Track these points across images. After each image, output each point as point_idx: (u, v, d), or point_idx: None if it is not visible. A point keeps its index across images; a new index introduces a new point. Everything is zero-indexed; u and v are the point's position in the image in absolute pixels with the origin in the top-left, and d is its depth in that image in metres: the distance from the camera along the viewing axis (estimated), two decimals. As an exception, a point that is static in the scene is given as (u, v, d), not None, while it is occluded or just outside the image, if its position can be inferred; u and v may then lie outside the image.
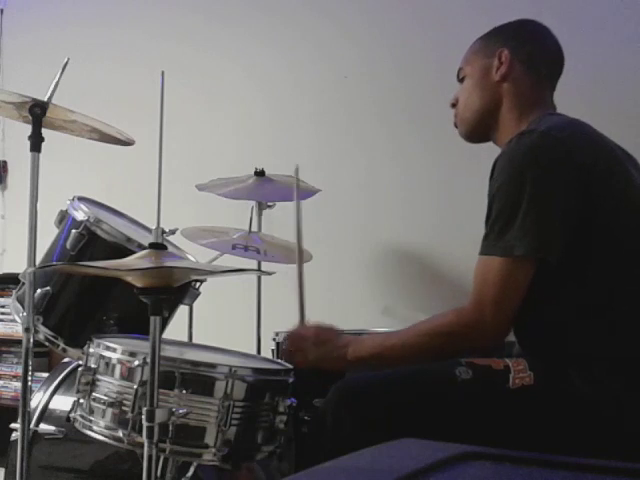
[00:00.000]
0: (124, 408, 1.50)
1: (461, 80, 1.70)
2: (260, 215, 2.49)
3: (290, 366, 1.71)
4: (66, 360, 2.12)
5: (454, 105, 1.72)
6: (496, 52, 1.63)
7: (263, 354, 2.36)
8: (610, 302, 1.42)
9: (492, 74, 1.63)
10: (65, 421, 1.76)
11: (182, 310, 2.14)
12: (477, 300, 1.42)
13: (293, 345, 1.65)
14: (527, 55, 1.63)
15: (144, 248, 1.50)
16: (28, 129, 1.81)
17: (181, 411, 1.42)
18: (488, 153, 2.53)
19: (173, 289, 1.33)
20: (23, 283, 1.87)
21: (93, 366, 1.58)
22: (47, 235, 1.93)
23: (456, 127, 1.72)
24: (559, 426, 1.34)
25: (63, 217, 1.93)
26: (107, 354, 1.57)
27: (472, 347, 1.45)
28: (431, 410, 1.37)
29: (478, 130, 1.67)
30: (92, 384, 1.57)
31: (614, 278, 1.42)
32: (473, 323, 1.41)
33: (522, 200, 1.38)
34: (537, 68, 1.63)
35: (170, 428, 1.42)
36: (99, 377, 1.57)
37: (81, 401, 1.59)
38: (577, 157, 1.42)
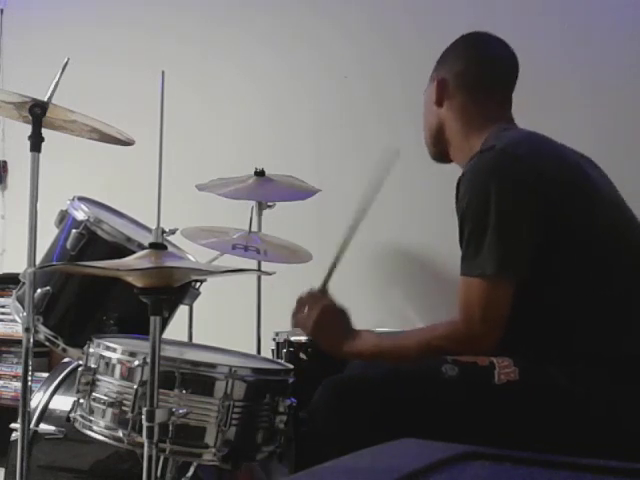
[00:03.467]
0: (124, 408, 1.50)
1: None
2: (260, 215, 2.48)
3: (290, 366, 1.71)
4: (66, 360, 2.12)
5: None
6: (434, 78, 1.72)
7: (263, 354, 2.36)
8: (584, 303, 1.45)
9: (433, 100, 1.70)
10: (65, 421, 1.76)
11: (182, 310, 2.14)
12: (466, 319, 1.45)
13: (298, 308, 1.66)
14: (459, 75, 1.68)
15: (144, 248, 1.50)
16: (28, 129, 1.81)
17: (181, 411, 1.42)
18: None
19: (173, 289, 1.33)
20: (23, 283, 1.87)
21: (93, 366, 1.58)
22: (47, 235, 1.93)
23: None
24: (545, 420, 1.37)
25: (63, 217, 1.93)
26: (107, 354, 1.57)
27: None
28: (418, 407, 1.39)
29: (437, 152, 1.76)
30: (92, 384, 1.57)
31: (586, 280, 1.45)
32: (465, 339, 1.44)
33: (488, 219, 1.42)
34: (473, 85, 1.67)
35: (170, 428, 1.42)
36: (99, 377, 1.57)
37: (81, 401, 1.59)
38: (536, 173, 1.45)
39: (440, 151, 1.74)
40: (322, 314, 1.61)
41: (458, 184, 1.52)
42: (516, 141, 1.52)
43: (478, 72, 1.69)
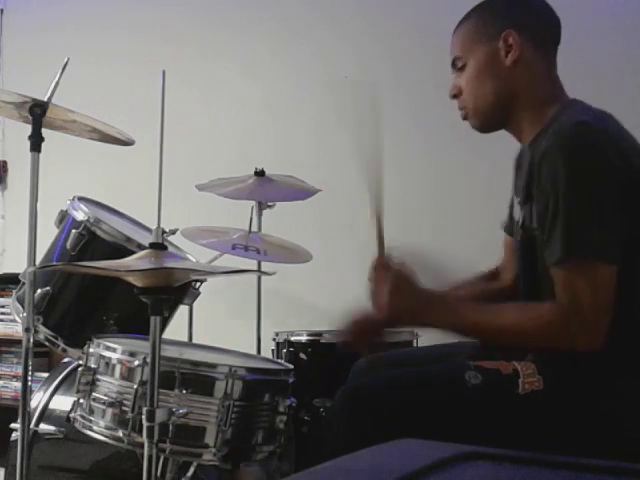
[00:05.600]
0: (124, 408, 1.50)
1: (460, 69, 1.56)
2: (260, 215, 2.48)
3: (290, 366, 1.71)
4: (66, 360, 2.12)
5: (455, 96, 1.58)
6: (500, 34, 1.49)
7: (263, 354, 2.36)
8: (622, 302, 1.37)
9: (501, 59, 1.50)
10: (65, 421, 1.76)
11: (182, 310, 2.14)
12: (574, 304, 1.32)
13: (375, 291, 1.49)
14: (533, 31, 1.50)
15: (144, 248, 1.50)
16: (28, 129, 1.80)
17: (181, 411, 1.42)
18: (488, 153, 2.54)
19: (173, 289, 1.33)
20: (23, 283, 1.87)
21: (93, 366, 1.59)
22: (47, 235, 1.93)
23: (464, 119, 1.60)
24: (569, 432, 1.32)
25: (63, 217, 1.93)
26: (107, 354, 1.57)
27: (566, 348, 1.34)
28: (441, 415, 1.35)
29: (494, 121, 1.56)
30: (92, 384, 1.57)
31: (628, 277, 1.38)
32: (575, 325, 1.32)
33: (594, 200, 1.32)
34: (544, 43, 1.52)
35: (170, 428, 1.42)
36: (99, 377, 1.57)
37: (81, 401, 1.59)
38: (629, 156, 1.38)
39: (497, 120, 1.56)
40: (395, 284, 1.44)
41: (542, 158, 1.38)
42: (607, 120, 1.43)
43: (549, 29, 1.54)
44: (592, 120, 1.39)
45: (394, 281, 1.45)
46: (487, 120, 1.56)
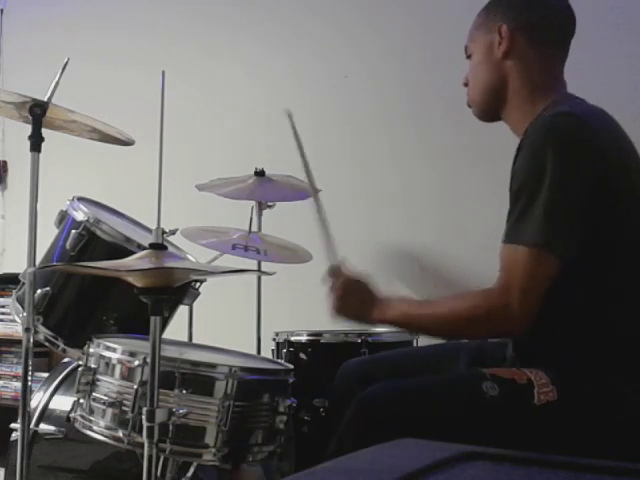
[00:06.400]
0: (124, 408, 1.50)
1: (469, 57, 1.64)
2: (260, 215, 2.48)
3: (290, 366, 1.71)
4: (66, 360, 2.12)
5: (466, 84, 1.65)
6: (495, 27, 1.56)
7: (263, 354, 2.36)
8: (629, 305, 1.39)
9: (495, 51, 1.56)
10: (65, 421, 1.76)
11: (182, 310, 2.14)
12: (504, 286, 1.36)
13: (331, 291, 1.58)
14: (528, 25, 1.54)
15: (144, 248, 1.50)
16: (28, 129, 1.81)
17: (181, 411, 1.42)
18: (488, 153, 2.54)
19: (173, 289, 1.33)
20: (23, 283, 1.87)
21: (93, 366, 1.59)
22: (47, 235, 1.93)
23: (469, 107, 1.66)
24: (587, 442, 1.30)
25: (63, 217, 1.93)
26: (107, 354, 1.57)
27: (496, 333, 1.41)
28: (458, 427, 1.32)
29: (488, 110, 1.61)
30: (92, 384, 1.57)
31: (631, 281, 1.39)
32: (500, 308, 1.36)
33: (545, 189, 1.33)
34: (542, 37, 1.55)
35: (170, 428, 1.42)
36: (99, 377, 1.57)
37: (81, 401, 1.59)
38: (610, 151, 1.39)
39: (491, 110, 1.61)
40: (343, 290, 1.54)
41: (520, 146, 1.42)
42: (594, 114, 1.45)
43: (551, 25, 1.56)
44: (573, 111, 1.41)
45: (341, 287, 1.55)
46: (482, 109, 1.63)
